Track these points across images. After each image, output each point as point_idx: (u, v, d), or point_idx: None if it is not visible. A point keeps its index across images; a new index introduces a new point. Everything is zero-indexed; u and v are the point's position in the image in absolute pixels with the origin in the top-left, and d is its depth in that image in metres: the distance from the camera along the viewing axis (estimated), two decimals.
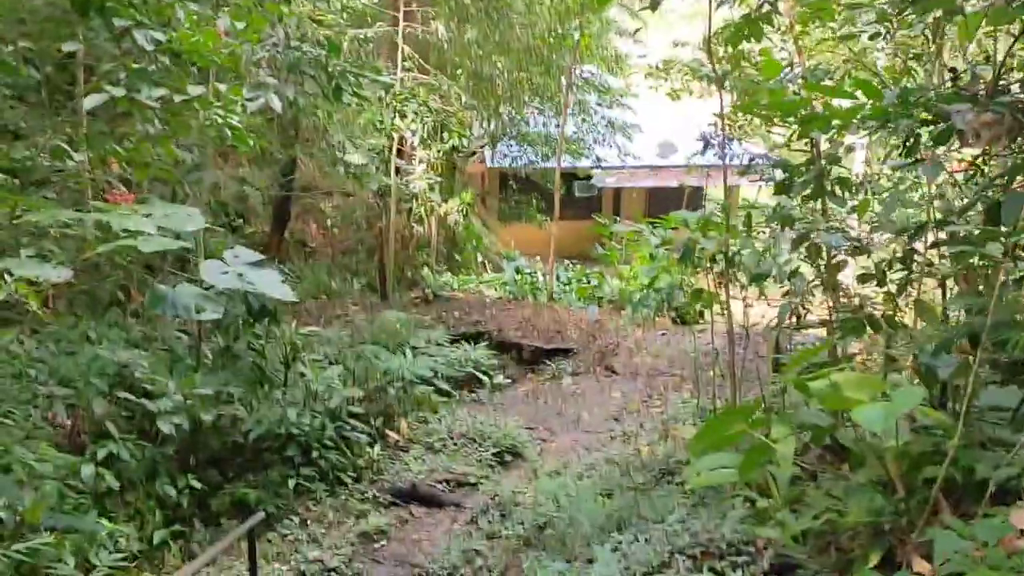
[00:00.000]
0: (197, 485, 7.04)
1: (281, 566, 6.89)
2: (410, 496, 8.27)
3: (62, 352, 7.19)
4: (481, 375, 12.31)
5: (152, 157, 5.05)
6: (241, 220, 16.14)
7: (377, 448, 8.82)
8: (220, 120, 4.61)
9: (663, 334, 14.16)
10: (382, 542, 7.52)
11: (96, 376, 6.76)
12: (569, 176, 23.59)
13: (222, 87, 4.83)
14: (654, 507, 6.26)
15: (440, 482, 8.57)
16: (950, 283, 6.10)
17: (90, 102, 4.35)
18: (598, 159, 21.97)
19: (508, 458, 9.39)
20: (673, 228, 9.44)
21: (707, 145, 9.42)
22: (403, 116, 15.26)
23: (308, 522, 7.59)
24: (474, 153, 22.23)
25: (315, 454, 8.18)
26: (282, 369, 8.82)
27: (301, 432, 8.07)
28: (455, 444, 9.44)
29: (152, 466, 7.06)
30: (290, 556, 7.01)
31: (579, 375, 12.75)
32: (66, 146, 4.99)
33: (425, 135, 16.67)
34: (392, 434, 9.39)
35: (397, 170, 16.77)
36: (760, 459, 3.75)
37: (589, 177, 24.97)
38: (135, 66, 4.23)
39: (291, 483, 7.78)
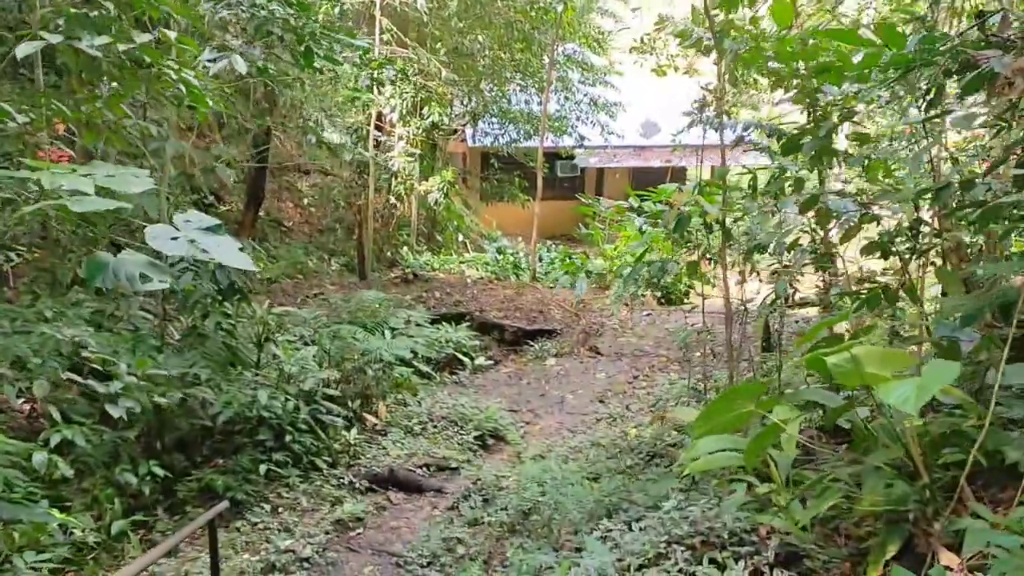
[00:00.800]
0: (160, 472, 6.61)
1: (251, 556, 6.51)
2: (388, 481, 7.91)
3: (15, 331, 6.74)
4: (462, 356, 11.94)
5: (104, 121, 4.63)
6: (213, 197, 15.63)
7: (354, 431, 8.44)
8: (174, 75, 4.16)
9: (648, 314, 13.84)
10: (358, 530, 7.15)
11: (50, 356, 6.32)
12: (552, 156, 23.22)
13: (172, 34, 4.35)
14: (646, 492, 5.93)
15: (420, 467, 8.21)
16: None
17: (23, 50, 3.90)
18: (581, 137, 21.56)
19: (490, 441, 9.05)
20: (662, 201, 9.03)
21: (702, 108, 9.04)
22: (381, 86, 14.75)
23: (280, 509, 7.20)
24: (455, 132, 21.75)
25: (288, 438, 7.78)
26: (254, 350, 8.41)
27: (273, 415, 7.67)
28: (435, 427, 9.07)
29: (113, 452, 6.64)
30: (260, 545, 6.62)
31: (563, 356, 12.41)
32: (7, 107, 4.55)
33: (404, 110, 16.21)
34: (370, 417, 9.01)
35: (376, 145, 16.33)
36: (768, 442, 3.40)
37: (572, 157, 24.58)
38: (73, 10, 3.79)
39: (262, 468, 7.38)
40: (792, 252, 6.14)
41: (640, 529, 4.92)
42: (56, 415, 5.77)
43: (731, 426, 3.49)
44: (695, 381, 10.35)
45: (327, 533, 6.93)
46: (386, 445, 8.52)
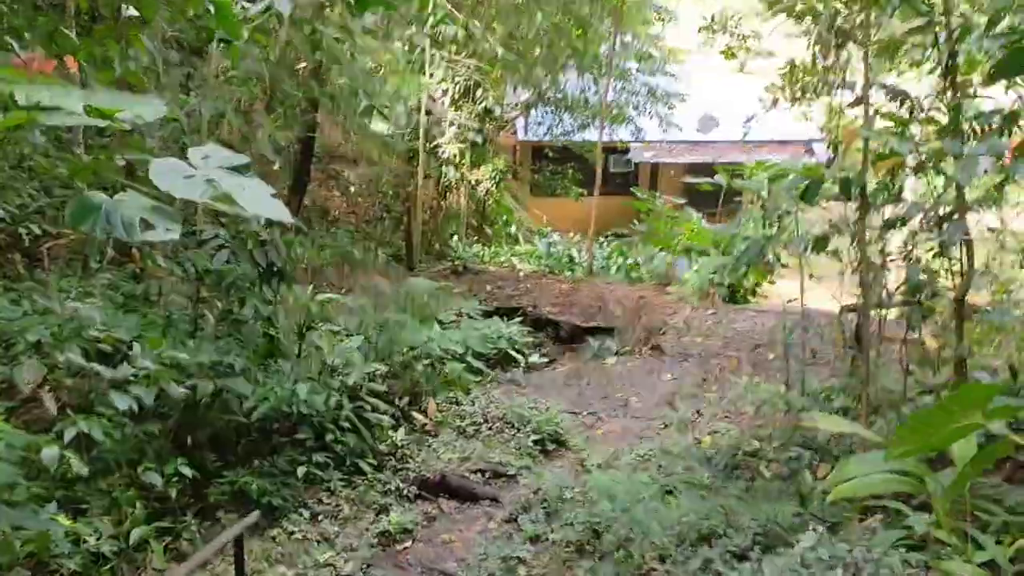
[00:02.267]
0: (188, 472, 5.89)
1: (286, 569, 5.78)
2: (439, 488, 7.13)
3: (36, 311, 6.09)
4: (515, 353, 11.14)
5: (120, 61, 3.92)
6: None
7: (401, 432, 7.69)
8: None
9: (713, 313, 12.90)
10: (406, 543, 6.39)
11: (70, 338, 5.64)
12: (605, 150, 22.18)
13: None
14: (752, 516, 5.05)
15: (474, 472, 7.42)
16: None
17: None
18: (638, 129, 20.60)
19: (550, 446, 8.22)
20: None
21: (790, 85, 8.12)
22: (437, 52, 13.97)
23: (320, 517, 6.47)
24: (506, 124, 20.98)
25: (329, 437, 7.05)
26: (294, 340, 7.69)
27: (314, 412, 6.94)
28: (490, 429, 8.28)
29: (137, 448, 5.95)
30: (297, 558, 5.89)
31: (624, 355, 11.54)
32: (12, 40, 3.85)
33: (457, 94, 15.45)
34: (419, 416, 8.25)
35: (426, 132, 15.61)
36: (990, 459, 2.54)
37: (626, 151, 23.66)
38: None
39: (301, 471, 6.65)
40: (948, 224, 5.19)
41: (766, 566, 4.03)
42: (50, 404, 5.05)
43: (947, 442, 2.65)
44: (781, 385, 9.45)
45: (372, 546, 6.18)
46: (437, 448, 7.75)
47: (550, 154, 21.36)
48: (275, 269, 6.94)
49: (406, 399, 8.28)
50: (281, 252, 6.99)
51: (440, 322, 9.60)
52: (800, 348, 11.35)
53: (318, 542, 6.12)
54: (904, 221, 5.31)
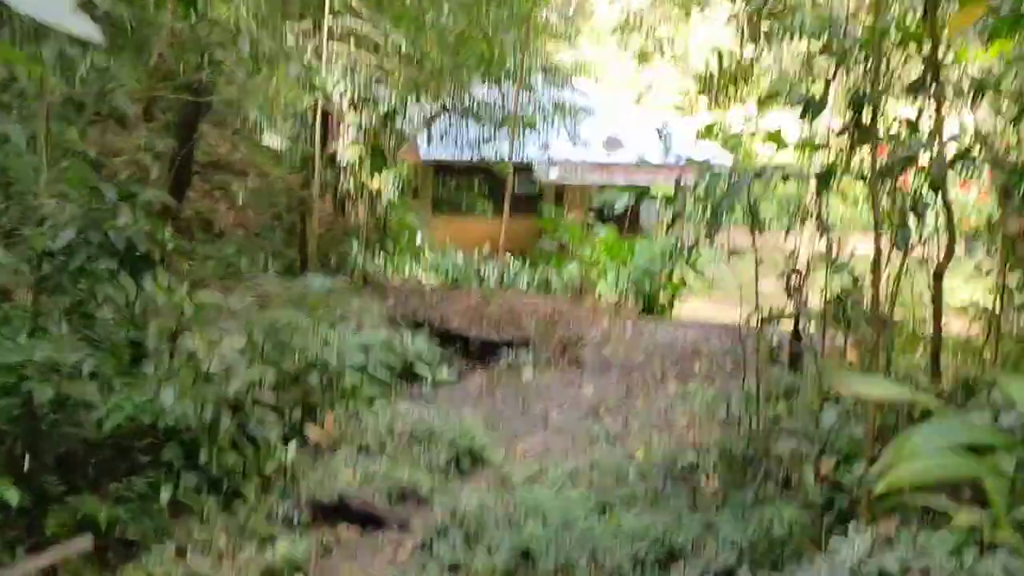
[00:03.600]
0: (14, 498, 4.63)
1: None
2: (337, 513, 6.04)
3: None
4: (422, 368, 10.10)
5: None
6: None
7: (292, 449, 6.53)
8: None
9: (633, 324, 12.16)
10: None
11: None
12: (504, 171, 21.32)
13: None
14: (721, 528, 4.18)
15: (379, 494, 6.33)
16: None
17: None
18: (545, 145, 19.93)
19: (466, 464, 7.21)
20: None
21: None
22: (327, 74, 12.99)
23: (188, 551, 5.27)
24: (404, 141, 20.02)
25: (203, 456, 5.86)
26: (163, 343, 6.48)
27: (184, 426, 5.75)
28: (398, 445, 7.20)
29: None
30: None
31: (541, 369, 10.64)
32: None
33: (356, 97, 14.40)
34: (314, 431, 7.11)
35: (323, 139, 14.50)
36: None
37: (530, 170, 22.98)
38: None
39: (165, 495, 5.45)
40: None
41: None
42: None
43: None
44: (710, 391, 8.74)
45: None
46: (335, 466, 6.62)
47: (452, 170, 20.46)
48: (136, 253, 5.76)
49: (298, 411, 7.14)
50: (144, 234, 5.82)
51: (341, 327, 8.45)
52: (724, 360, 10.74)
53: None
54: None
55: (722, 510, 5.37)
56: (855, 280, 9.18)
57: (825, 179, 6.05)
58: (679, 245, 9.20)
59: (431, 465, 6.95)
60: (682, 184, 7.50)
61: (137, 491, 5.43)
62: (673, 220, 6.53)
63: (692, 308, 14.94)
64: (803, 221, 8.46)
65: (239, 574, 5.11)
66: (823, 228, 6.79)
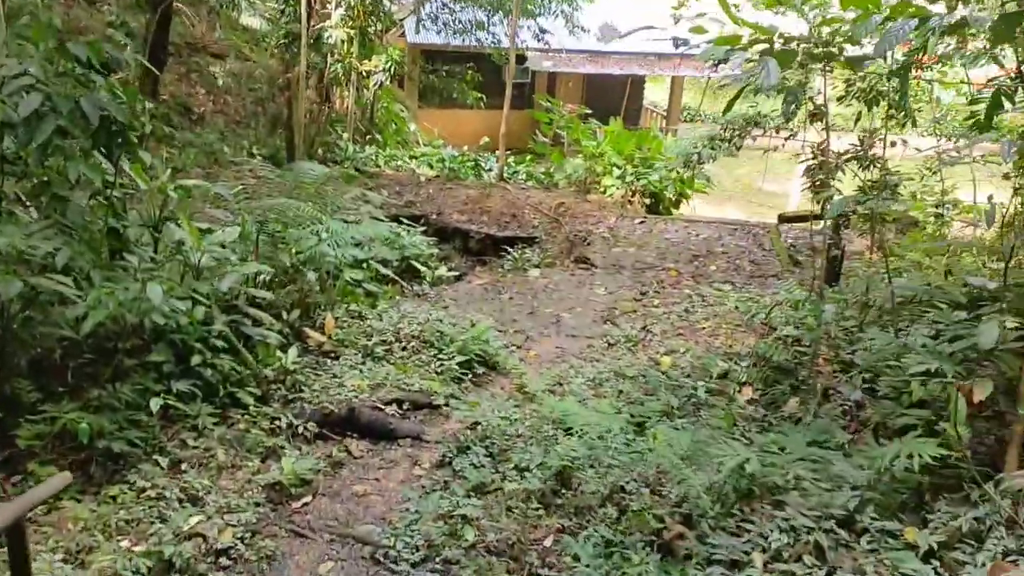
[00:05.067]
0: None
1: (130, 545, 4.02)
2: (346, 424, 5.47)
3: None
4: (420, 266, 9.46)
5: None
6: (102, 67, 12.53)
7: (293, 353, 5.92)
8: None
9: (642, 221, 11.53)
10: (304, 499, 4.72)
11: None
12: (495, 60, 20.08)
13: None
14: (823, 461, 3.63)
15: (389, 403, 5.76)
16: None
17: None
18: (541, 31, 18.75)
19: (480, 370, 6.64)
20: None
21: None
22: None
23: (183, 467, 4.70)
24: (393, 24, 18.79)
25: (196, 359, 5.23)
26: (145, 232, 5.77)
27: (173, 325, 5.10)
28: (404, 349, 6.61)
29: None
30: (150, 526, 4.13)
31: (548, 267, 10.02)
32: None
33: None
34: (313, 334, 6.49)
35: (309, 15, 13.39)
36: None
37: (523, 59, 21.81)
38: None
39: (155, 403, 4.84)
40: None
41: None
42: None
43: None
44: (751, 297, 8.21)
45: (257, 505, 4.49)
46: (339, 372, 6.03)
47: (446, 56, 19.33)
48: (112, 127, 4.97)
49: (297, 312, 6.50)
50: (122, 107, 5.02)
51: (341, 218, 7.69)
52: (745, 259, 10.18)
53: (181, 501, 4.37)
54: None
55: (783, 428, 4.85)
56: (885, 175, 8.51)
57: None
58: (705, 142, 8.55)
59: (443, 371, 6.38)
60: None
61: (123, 399, 4.81)
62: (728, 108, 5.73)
63: (693, 207, 14.30)
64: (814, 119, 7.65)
65: (241, 491, 4.56)
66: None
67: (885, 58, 5.03)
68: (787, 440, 4.24)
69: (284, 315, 6.39)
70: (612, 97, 23.48)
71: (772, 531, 3.38)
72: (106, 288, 4.80)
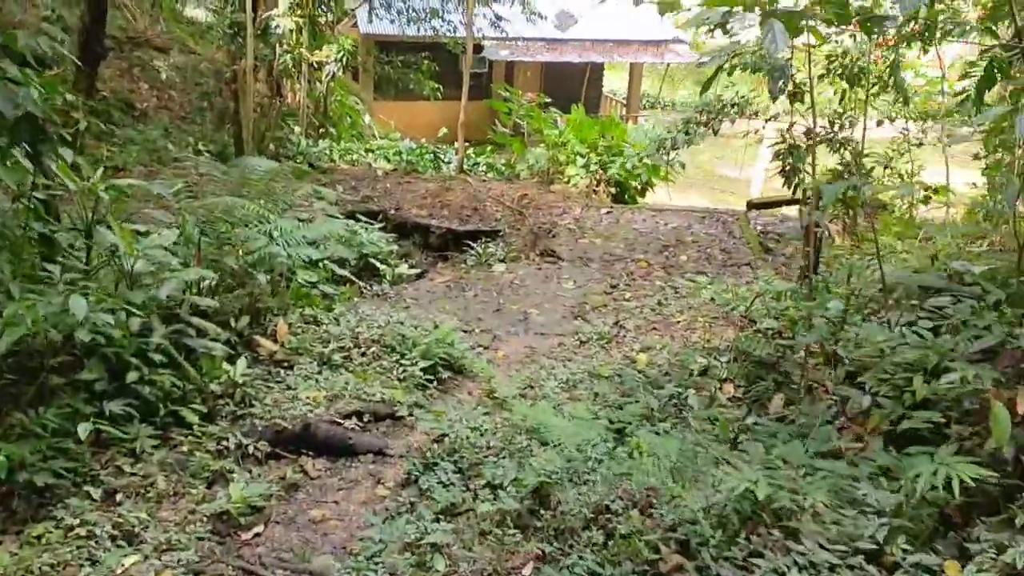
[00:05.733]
0: None
1: None
2: (301, 441, 5.01)
3: None
4: (379, 264, 9.01)
5: None
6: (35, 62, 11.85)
7: (242, 364, 5.43)
8: None
9: (608, 212, 11.17)
10: (256, 528, 4.26)
11: None
12: (451, 49, 19.52)
13: None
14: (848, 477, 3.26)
15: (348, 416, 5.31)
16: None
17: None
18: (497, 18, 18.25)
19: (445, 374, 6.21)
20: None
21: None
22: None
23: (119, 496, 4.22)
24: (345, 14, 18.22)
25: (133, 376, 4.74)
26: (77, 237, 5.26)
27: (105, 339, 4.61)
28: (364, 355, 6.15)
29: None
30: (78, 570, 3.66)
31: (513, 262, 9.61)
32: None
33: None
34: (265, 342, 6.01)
35: (254, 6, 12.79)
36: None
37: (480, 48, 21.30)
38: None
39: (84, 428, 4.35)
40: None
41: None
42: None
43: None
44: (726, 287, 7.87)
45: (202, 539, 4.02)
46: (293, 384, 5.56)
47: (401, 46, 18.78)
48: (36, 123, 4.47)
49: (246, 319, 6.02)
50: (43, 103, 4.52)
51: (292, 216, 7.19)
52: (716, 248, 9.87)
53: (114, 539, 3.89)
54: None
55: (776, 431, 4.49)
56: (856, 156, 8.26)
57: None
58: (676, 131, 8.24)
59: (406, 377, 5.95)
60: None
61: (48, 424, 4.32)
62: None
63: (655, 196, 13.99)
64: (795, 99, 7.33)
65: (183, 522, 4.10)
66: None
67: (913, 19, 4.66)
68: (788, 450, 3.87)
69: (232, 323, 5.91)
70: (571, 85, 23.14)
71: (789, 567, 2.99)
72: (27, 301, 4.31)
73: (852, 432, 4.17)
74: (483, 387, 6.02)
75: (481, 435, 5.00)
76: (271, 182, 6.72)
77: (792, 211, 12.48)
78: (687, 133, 6.87)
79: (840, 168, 8.01)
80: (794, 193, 8.12)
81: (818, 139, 6.74)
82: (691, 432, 4.94)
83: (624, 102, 25.34)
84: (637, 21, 24.01)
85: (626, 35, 23.75)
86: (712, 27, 4.27)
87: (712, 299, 7.73)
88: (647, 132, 13.47)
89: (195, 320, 5.36)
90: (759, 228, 11.04)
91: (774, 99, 4.95)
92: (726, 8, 4.01)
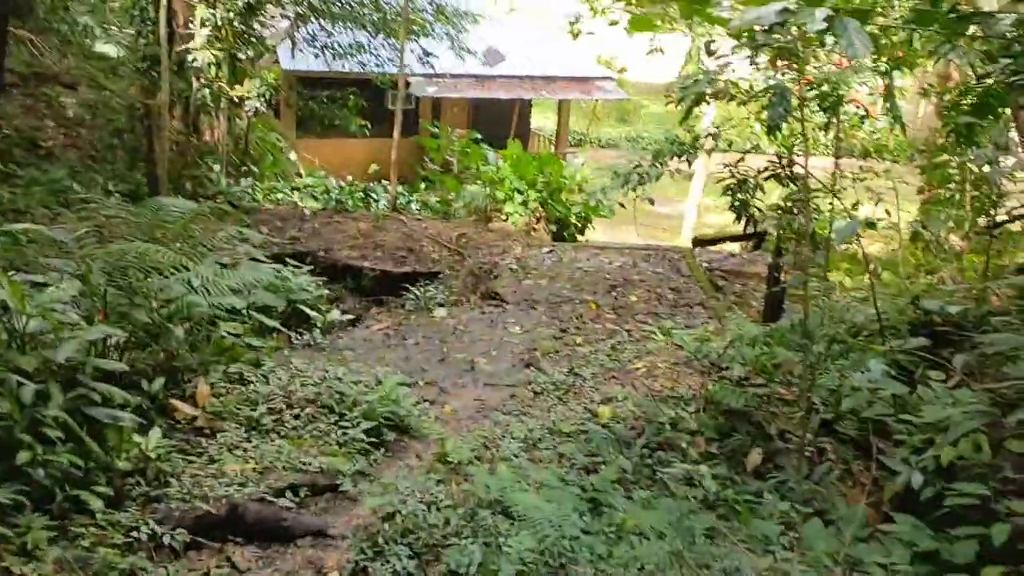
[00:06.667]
0: None
1: None
2: (228, 526, 4.30)
3: None
4: (308, 310, 8.31)
5: None
6: None
7: (156, 435, 4.69)
8: None
9: (550, 251, 10.69)
10: None
11: None
12: (377, 86, 18.93)
13: None
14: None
15: (283, 491, 4.62)
16: None
17: None
18: (425, 53, 17.78)
19: (390, 436, 5.57)
20: None
21: None
22: None
23: None
24: (266, 50, 17.53)
25: (24, 457, 3.99)
26: None
27: None
28: (298, 418, 5.46)
29: None
30: None
31: (454, 307, 9.03)
32: None
33: None
34: (183, 407, 5.27)
35: (169, 39, 12.06)
36: None
37: (407, 84, 20.79)
38: None
39: None
40: None
41: None
42: None
43: None
44: (683, 330, 7.42)
45: None
46: (217, 455, 4.84)
47: (324, 83, 18.17)
48: None
49: (161, 380, 5.27)
50: None
51: (211, 261, 6.47)
52: (665, 287, 9.48)
53: None
54: None
55: (775, 502, 3.98)
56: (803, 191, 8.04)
57: None
58: (633, 168, 7.83)
59: (346, 440, 5.29)
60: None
61: None
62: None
63: (592, 234, 13.66)
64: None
65: None
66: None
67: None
68: (812, 533, 3.36)
69: (144, 385, 5.17)
70: (499, 121, 22.88)
71: None
72: None
73: (854, 499, 3.70)
74: (434, 450, 5.38)
75: (438, 510, 4.36)
76: (189, 224, 6.01)
77: (735, 247, 12.27)
78: (657, 165, 6.47)
79: (788, 203, 7.75)
80: (745, 229, 7.79)
81: (770, 173, 6.42)
82: (674, 499, 4.41)
83: (551, 139, 25.21)
84: (565, 58, 23.94)
85: (555, 72, 23.66)
86: (767, 27, 3.66)
87: (672, 344, 7.27)
88: (579, 168, 13.15)
89: (99, 386, 4.61)
90: (704, 265, 10.72)
91: (773, 130, 4.47)
92: (781, 5, 3.34)
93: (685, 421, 5.76)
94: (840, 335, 5.65)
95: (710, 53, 4.62)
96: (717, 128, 6.35)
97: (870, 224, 5.61)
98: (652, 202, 9.37)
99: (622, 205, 11.80)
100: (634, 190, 7.27)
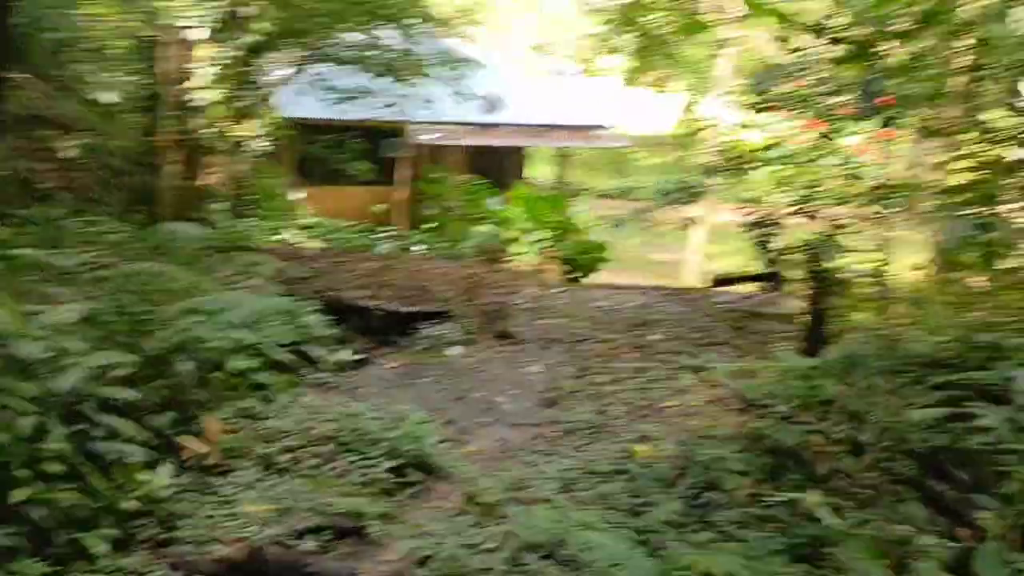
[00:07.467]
0: None
1: None
2: (246, 572, 3.88)
3: None
4: (319, 349, 7.92)
5: None
6: None
7: (165, 472, 4.30)
8: None
9: (563, 291, 10.39)
10: None
11: None
12: (377, 133, 18.74)
13: None
14: None
15: (303, 534, 4.21)
16: None
17: None
18: (425, 102, 17.61)
19: (414, 476, 5.17)
20: None
21: None
22: None
23: None
24: (267, 99, 17.40)
25: (21, 494, 3.60)
26: None
27: None
28: (316, 456, 5.07)
29: None
30: None
31: (468, 346, 8.66)
32: None
33: (217, 24, 11.87)
34: (193, 444, 4.88)
35: (171, 77, 11.90)
36: None
37: (401, 133, 20.64)
38: None
39: None
40: None
41: None
42: None
43: None
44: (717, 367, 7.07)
45: None
46: (231, 495, 4.44)
47: (325, 129, 18.02)
48: None
49: (170, 415, 4.89)
50: None
51: (223, 292, 6.14)
52: (687, 326, 9.16)
53: None
54: None
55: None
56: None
57: None
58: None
59: (369, 481, 4.89)
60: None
61: None
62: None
63: (598, 277, 13.40)
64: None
65: None
66: None
67: None
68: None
69: (152, 420, 4.78)
70: (497, 168, 22.75)
71: None
72: None
73: (963, 535, 3.34)
74: (464, 490, 4.98)
75: (477, 553, 3.96)
76: (199, 250, 5.68)
77: (752, 287, 11.97)
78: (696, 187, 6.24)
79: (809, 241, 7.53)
80: (767, 266, 7.54)
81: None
82: (735, 542, 4.03)
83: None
84: (565, 106, 23.94)
85: (554, 120, 23.62)
86: None
87: (702, 381, 6.93)
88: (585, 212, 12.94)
89: (105, 418, 4.24)
90: (721, 306, 10.42)
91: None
92: None
93: (729, 460, 5.38)
94: (896, 366, 5.31)
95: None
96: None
97: None
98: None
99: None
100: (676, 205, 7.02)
